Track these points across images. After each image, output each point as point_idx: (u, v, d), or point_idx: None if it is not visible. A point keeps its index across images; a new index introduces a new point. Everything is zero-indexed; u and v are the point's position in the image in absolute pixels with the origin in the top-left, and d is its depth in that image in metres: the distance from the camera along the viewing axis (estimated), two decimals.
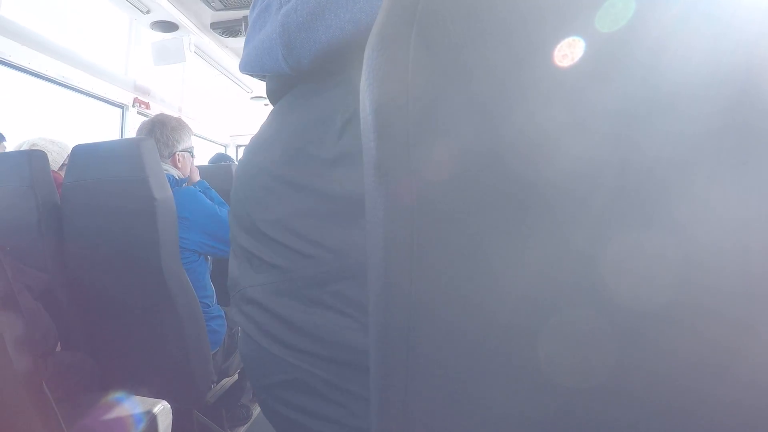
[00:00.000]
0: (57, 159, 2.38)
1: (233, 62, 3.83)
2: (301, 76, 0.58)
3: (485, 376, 0.28)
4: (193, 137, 2.27)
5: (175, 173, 2.09)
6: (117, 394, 1.64)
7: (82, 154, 1.84)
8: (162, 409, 1.62)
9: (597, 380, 0.26)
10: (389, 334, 0.30)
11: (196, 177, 2.34)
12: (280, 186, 0.57)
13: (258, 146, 0.65)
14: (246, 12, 3.05)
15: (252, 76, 0.72)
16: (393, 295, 0.30)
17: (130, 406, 1.60)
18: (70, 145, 2.47)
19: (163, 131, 2.09)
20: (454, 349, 0.28)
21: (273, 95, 0.69)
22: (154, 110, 3.74)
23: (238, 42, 3.48)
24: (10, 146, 2.46)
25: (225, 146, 5.65)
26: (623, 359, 0.25)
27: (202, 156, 4.66)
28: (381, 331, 0.31)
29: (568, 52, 0.23)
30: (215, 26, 3.26)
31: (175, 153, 2.12)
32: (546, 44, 0.24)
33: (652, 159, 0.23)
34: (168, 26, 3.18)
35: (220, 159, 4.36)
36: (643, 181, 0.23)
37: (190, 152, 2.21)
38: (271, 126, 0.64)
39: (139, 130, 2.14)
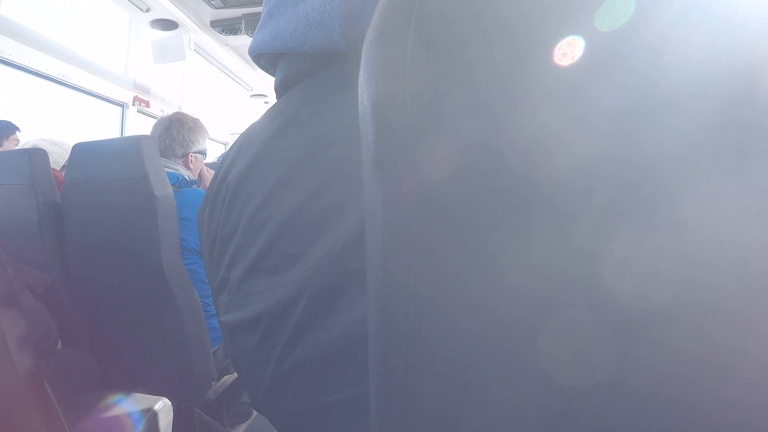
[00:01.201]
0: (58, 160, 2.38)
1: (233, 60, 3.82)
2: (354, 54, 0.49)
3: (484, 372, 0.28)
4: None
5: (186, 173, 2.07)
6: (118, 392, 1.65)
7: (82, 152, 1.83)
8: (163, 406, 1.63)
9: (597, 376, 0.26)
10: (388, 327, 0.31)
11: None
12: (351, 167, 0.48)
13: (284, 130, 0.57)
14: (245, 10, 3.05)
15: (259, 59, 0.66)
16: (392, 290, 0.30)
17: (131, 403, 1.60)
18: (72, 145, 2.48)
19: (180, 131, 2.08)
20: (453, 345, 0.28)
21: (293, 78, 0.61)
22: (154, 108, 3.74)
23: (238, 40, 3.48)
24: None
25: (225, 144, 5.64)
26: (623, 355, 0.25)
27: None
28: (380, 325, 0.31)
29: (568, 50, 0.24)
30: (215, 24, 3.26)
31: (188, 153, 2.11)
32: (546, 41, 0.24)
33: (651, 156, 0.23)
34: (168, 24, 3.17)
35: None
36: (643, 179, 0.23)
37: (203, 154, 2.20)
38: (304, 107, 0.56)
39: (156, 126, 2.12)
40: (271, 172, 0.56)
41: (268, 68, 0.68)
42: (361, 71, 0.30)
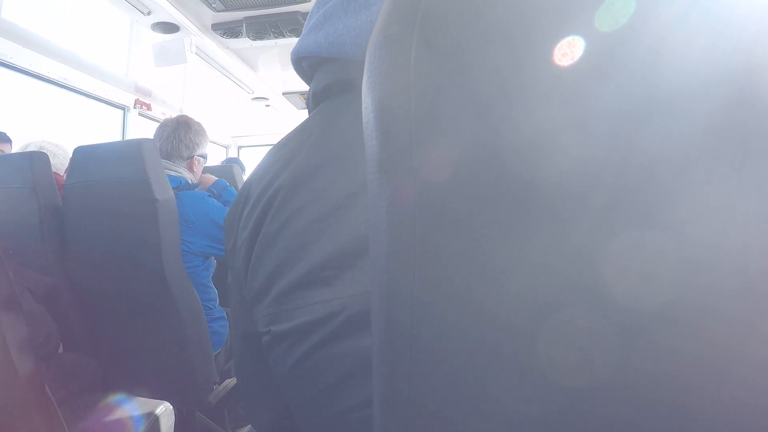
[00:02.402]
0: (64, 162, 2.37)
1: (234, 63, 3.82)
2: None
3: (487, 373, 0.28)
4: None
5: (189, 177, 2.09)
6: (119, 396, 1.65)
7: (83, 155, 1.84)
8: (164, 410, 1.63)
9: (597, 379, 0.25)
10: (392, 330, 0.31)
11: (212, 179, 2.35)
12: None
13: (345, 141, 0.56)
14: (246, 13, 3.05)
15: (301, 62, 0.65)
16: (396, 292, 0.30)
17: (133, 407, 1.60)
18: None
19: (187, 133, 2.10)
20: (457, 346, 0.28)
21: (343, 86, 0.61)
22: (155, 111, 3.75)
23: (239, 43, 3.48)
24: (14, 149, 2.46)
25: (226, 147, 5.65)
26: (623, 358, 0.25)
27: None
28: (384, 328, 0.31)
29: (569, 51, 0.23)
30: (216, 27, 3.26)
31: (193, 156, 2.13)
32: (547, 44, 0.24)
33: (651, 158, 0.23)
34: (169, 27, 3.17)
35: (230, 162, 4.43)
36: (643, 180, 0.23)
37: (204, 158, 2.22)
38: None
39: (162, 127, 2.13)
40: (335, 188, 0.55)
41: (307, 72, 0.67)
42: (365, 75, 0.30)
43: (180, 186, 1.99)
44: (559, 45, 0.24)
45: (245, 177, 3.58)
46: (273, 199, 0.60)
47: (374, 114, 0.29)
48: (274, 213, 0.59)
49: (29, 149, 2.38)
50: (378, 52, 0.29)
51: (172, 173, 2.00)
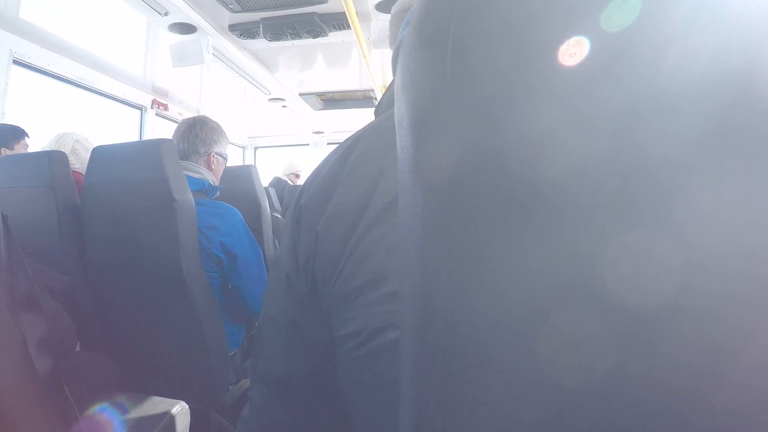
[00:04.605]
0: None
1: (251, 64, 3.84)
2: None
3: (486, 377, 0.28)
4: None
5: (210, 178, 2.08)
6: (135, 395, 1.66)
7: (101, 155, 1.85)
8: (180, 409, 1.63)
9: (597, 383, 0.25)
10: (427, 325, 0.31)
11: None
12: None
13: None
14: (263, 14, 3.07)
15: None
16: (431, 288, 0.30)
17: (149, 406, 1.61)
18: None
19: (203, 129, 2.11)
20: (459, 350, 0.29)
21: None
22: (173, 112, 3.78)
23: (256, 44, 3.50)
24: (37, 147, 2.48)
25: (243, 147, 5.68)
26: (624, 362, 0.25)
27: None
28: (418, 324, 0.31)
29: (574, 51, 0.24)
30: (233, 28, 3.28)
31: (210, 153, 2.12)
32: (552, 45, 0.24)
33: (655, 160, 0.23)
34: (186, 28, 3.20)
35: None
36: (647, 183, 0.23)
37: (224, 158, 2.21)
38: None
39: (179, 126, 2.14)
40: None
41: None
42: (398, 77, 0.31)
43: (204, 188, 1.98)
44: (563, 46, 0.24)
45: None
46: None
47: (408, 116, 0.30)
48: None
49: (62, 141, 2.39)
50: (413, 53, 0.29)
51: (194, 175, 1.99)
